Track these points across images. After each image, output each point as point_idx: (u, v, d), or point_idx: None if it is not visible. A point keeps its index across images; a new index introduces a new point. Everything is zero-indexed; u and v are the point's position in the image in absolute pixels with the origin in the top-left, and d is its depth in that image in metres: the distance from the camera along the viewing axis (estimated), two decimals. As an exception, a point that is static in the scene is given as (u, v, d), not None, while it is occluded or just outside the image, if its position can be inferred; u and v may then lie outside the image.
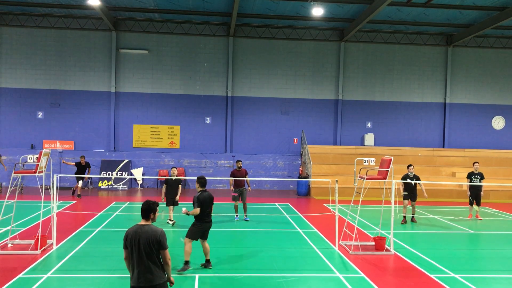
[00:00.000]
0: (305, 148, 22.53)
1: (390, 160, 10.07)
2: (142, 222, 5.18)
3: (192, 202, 8.57)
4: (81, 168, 17.95)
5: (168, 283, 5.19)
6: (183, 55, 23.11)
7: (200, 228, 8.42)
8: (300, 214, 15.17)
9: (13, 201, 10.83)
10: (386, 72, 24.08)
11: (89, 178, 21.07)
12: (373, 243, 10.39)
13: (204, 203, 8.36)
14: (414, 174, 13.83)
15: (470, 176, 14.86)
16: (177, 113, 23.19)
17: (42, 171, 9.91)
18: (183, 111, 23.21)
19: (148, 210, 5.20)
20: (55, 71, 22.58)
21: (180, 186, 12.93)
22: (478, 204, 14.90)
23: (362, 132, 24.10)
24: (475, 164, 15.01)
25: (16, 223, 11.36)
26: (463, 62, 24.42)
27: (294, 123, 23.70)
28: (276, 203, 17.63)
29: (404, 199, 13.74)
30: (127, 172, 21.73)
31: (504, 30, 22.88)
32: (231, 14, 20.61)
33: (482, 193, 14.80)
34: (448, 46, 24.10)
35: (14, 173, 10.05)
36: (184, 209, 8.45)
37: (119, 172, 21.50)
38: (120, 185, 21.39)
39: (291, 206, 16.95)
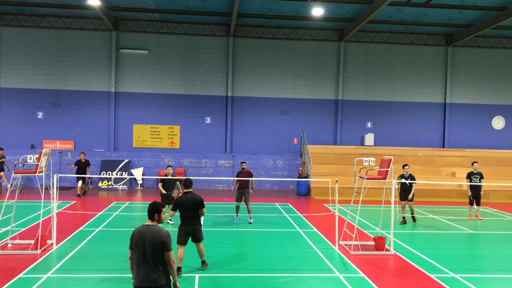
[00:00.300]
0: (305, 148, 22.53)
1: (390, 160, 10.07)
2: (148, 223, 5.19)
3: None
4: (81, 166, 17.93)
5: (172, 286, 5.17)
6: (183, 55, 23.12)
7: (183, 232, 8.16)
8: (300, 214, 15.17)
9: (13, 201, 10.83)
10: (386, 72, 24.08)
11: (89, 178, 21.07)
12: (373, 243, 10.39)
13: (182, 205, 8.13)
14: (409, 174, 13.73)
15: (469, 176, 14.87)
16: (177, 113, 23.19)
17: (42, 171, 9.91)
18: (183, 111, 23.21)
19: (153, 211, 5.19)
20: (55, 71, 22.59)
21: (178, 184, 13.14)
22: (478, 203, 14.92)
23: (362, 132, 24.10)
24: (474, 164, 15.03)
25: (16, 223, 11.36)
26: (463, 62, 24.42)
27: (294, 123, 23.70)
28: (276, 203, 17.64)
29: (400, 199, 13.70)
30: (127, 172, 21.73)
31: (504, 30, 22.88)
32: (231, 14, 20.61)
33: (482, 192, 14.84)
34: (448, 46, 24.10)
35: (14, 173, 10.06)
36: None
37: (119, 172, 21.50)
38: (120, 185, 21.39)
39: (291, 206, 16.95)
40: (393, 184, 10.55)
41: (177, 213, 8.36)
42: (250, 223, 13.21)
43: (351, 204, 11.08)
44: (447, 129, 24.36)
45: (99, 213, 14.43)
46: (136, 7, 20.91)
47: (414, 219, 13.99)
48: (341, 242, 10.53)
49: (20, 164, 10.55)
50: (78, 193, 17.93)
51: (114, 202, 17.15)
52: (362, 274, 8.40)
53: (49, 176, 10.86)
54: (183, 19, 22.51)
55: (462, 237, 12.46)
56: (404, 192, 13.64)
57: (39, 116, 22.59)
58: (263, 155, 23.12)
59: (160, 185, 13.14)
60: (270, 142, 23.65)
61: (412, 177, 13.60)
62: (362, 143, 24.02)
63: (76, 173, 17.68)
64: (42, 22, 22.29)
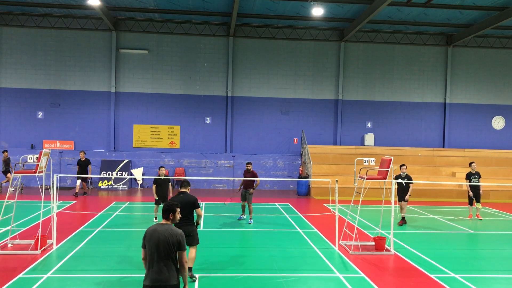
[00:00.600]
0: (305, 148, 22.53)
1: (390, 160, 10.07)
2: (162, 222, 5.19)
3: None
4: (82, 164, 18.06)
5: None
6: (183, 55, 23.12)
7: None
8: (300, 214, 15.16)
9: (13, 201, 10.83)
10: (386, 72, 24.08)
11: (89, 178, 21.08)
12: (373, 243, 10.39)
13: None
14: (406, 174, 13.64)
15: (469, 176, 14.85)
16: (177, 113, 23.20)
17: (42, 171, 9.91)
18: (183, 111, 23.21)
19: (168, 210, 5.19)
20: (55, 71, 22.59)
21: (169, 184, 13.21)
22: (478, 202, 14.92)
23: (362, 132, 24.10)
24: (472, 164, 15.04)
25: (16, 223, 11.36)
26: (463, 62, 24.42)
27: (294, 123, 23.70)
28: (276, 203, 17.64)
29: (398, 200, 13.66)
30: (127, 172, 21.73)
31: (504, 30, 22.88)
32: (231, 14, 20.61)
33: (481, 192, 14.90)
34: (448, 46, 24.11)
35: (14, 173, 10.07)
36: None
37: (119, 172, 21.50)
38: (120, 185, 21.39)
39: (291, 206, 16.95)
40: (393, 184, 10.57)
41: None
42: (250, 223, 13.23)
43: (351, 204, 11.08)
44: (447, 129, 24.36)
45: (99, 213, 14.43)
46: (136, 7, 20.91)
47: (403, 221, 13.59)
48: (341, 242, 10.53)
49: (20, 164, 10.55)
50: (77, 191, 18.02)
51: (114, 202, 17.15)
52: (362, 274, 8.40)
53: (49, 176, 10.86)
54: (183, 19, 22.51)
55: (462, 237, 12.46)
56: (401, 192, 13.56)
57: (39, 116, 22.59)
58: (263, 155, 23.12)
59: (154, 187, 12.95)
60: (270, 142, 23.65)
61: (408, 178, 13.49)
62: (362, 143, 24.02)
63: (77, 173, 17.87)
64: (42, 22, 22.29)
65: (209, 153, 23.04)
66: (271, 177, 22.65)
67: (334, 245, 10.46)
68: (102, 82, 22.80)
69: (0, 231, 11.22)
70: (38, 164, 9.79)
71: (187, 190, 8.10)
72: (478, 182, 14.58)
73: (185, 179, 8.59)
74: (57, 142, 22.47)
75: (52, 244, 9.91)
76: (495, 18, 20.06)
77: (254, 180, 13.34)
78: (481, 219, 14.89)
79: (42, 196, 9.96)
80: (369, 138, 23.74)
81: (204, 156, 22.89)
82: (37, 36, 22.42)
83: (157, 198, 12.85)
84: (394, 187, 10.56)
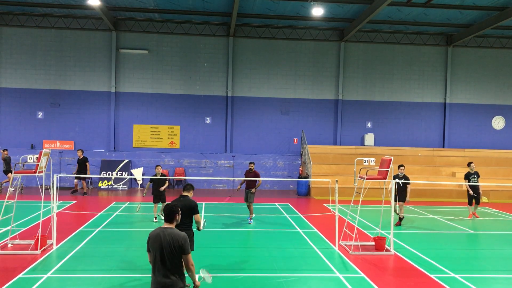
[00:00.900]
0: (305, 148, 22.53)
1: (390, 160, 10.07)
2: (166, 225, 5.11)
3: None
4: (80, 163, 18.21)
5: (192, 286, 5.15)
6: (183, 55, 23.12)
7: None
8: (300, 214, 15.16)
9: (13, 201, 10.83)
10: (386, 72, 24.08)
11: (89, 178, 21.08)
12: (373, 243, 10.39)
13: None
14: (404, 175, 13.53)
15: (468, 176, 14.87)
16: (177, 113, 23.20)
17: (42, 171, 9.91)
18: (183, 111, 23.21)
19: (170, 213, 5.12)
20: (55, 71, 22.59)
21: (166, 183, 13.49)
22: (478, 202, 14.95)
23: (362, 132, 24.10)
24: (471, 164, 15.05)
25: (16, 223, 11.36)
26: (463, 62, 24.42)
27: (294, 123, 23.70)
28: (276, 203, 17.63)
29: (397, 200, 13.59)
30: (127, 172, 21.71)
31: (504, 30, 22.88)
32: (231, 14, 20.61)
33: (481, 191, 14.95)
34: (448, 46, 24.10)
35: (14, 173, 10.07)
36: None
37: (119, 172, 21.47)
38: (120, 185, 21.38)
39: (291, 206, 16.95)
40: (393, 184, 10.57)
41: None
42: (250, 223, 13.22)
43: (351, 204, 11.08)
44: (447, 129, 24.36)
45: (99, 213, 14.43)
46: (136, 7, 20.90)
47: (398, 223, 13.44)
48: (341, 242, 10.53)
49: (20, 164, 10.55)
50: (76, 189, 18.17)
51: (114, 202, 17.15)
52: (362, 274, 8.40)
53: (49, 176, 10.87)
54: (183, 19, 22.51)
55: (462, 237, 12.46)
56: (399, 192, 13.43)
57: (39, 116, 22.59)
58: (263, 155, 23.12)
59: (148, 184, 13.70)
60: (270, 142, 23.65)
61: (406, 178, 13.44)
62: (362, 143, 24.02)
63: (76, 171, 18.21)
64: (42, 22, 22.29)
65: (209, 153, 23.04)
66: (271, 177, 22.65)
67: (334, 245, 10.47)
68: (102, 82, 22.80)
69: (0, 231, 11.22)
70: (38, 164, 9.79)
71: (189, 194, 7.75)
72: (477, 182, 14.59)
73: (188, 183, 8.41)
74: (57, 142, 22.47)
75: (52, 244, 9.92)
76: (495, 18, 20.06)
77: (256, 180, 13.35)
78: (478, 217, 14.95)
79: (42, 196, 9.97)
80: (369, 138, 23.74)
81: (204, 156, 22.89)
82: (37, 36, 22.42)
83: (145, 193, 13.73)
84: (394, 187, 10.56)
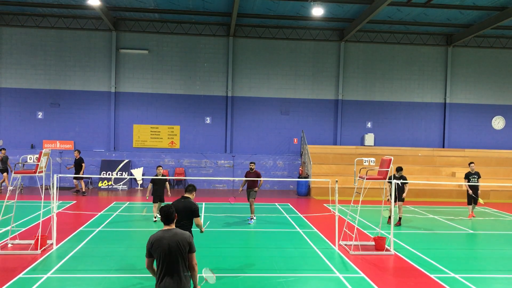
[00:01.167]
0: (305, 148, 22.53)
1: (390, 160, 10.07)
2: (166, 227, 4.98)
3: None
4: (76, 163, 18.38)
5: None
6: (183, 55, 23.12)
7: None
8: (300, 214, 15.16)
9: (13, 201, 10.83)
10: (386, 72, 24.08)
11: (89, 178, 21.09)
12: (373, 243, 10.40)
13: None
14: (401, 175, 13.49)
15: (468, 176, 14.88)
16: (177, 113, 23.20)
17: (42, 171, 9.91)
18: (183, 111, 23.21)
19: (170, 214, 4.99)
20: (55, 71, 22.59)
21: (167, 184, 13.44)
22: (475, 202, 14.96)
23: (362, 132, 24.10)
24: (471, 164, 15.07)
25: (16, 223, 11.36)
26: (463, 62, 24.42)
27: (294, 123, 23.70)
28: (276, 203, 17.63)
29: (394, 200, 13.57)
30: (127, 172, 21.71)
31: (504, 30, 22.88)
32: (231, 14, 20.61)
33: (479, 192, 14.98)
34: (448, 46, 24.10)
35: (14, 173, 10.07)
36: None
37: (119, 172, 21.48)
38: (120, 185, 21.38)
39: (291, 206, 16.95)
40: (393, 184, 10.57)
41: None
42: (250, 223, 13.22)
43: (351, 204, 11.08)
44: (447, 129, 24.36)
45: (99, 213, 14.43)
46: (136, 7, 20.90)
47: (398, 223, 13.41)
48: (341, 242, 10.53)
49: (20, 164, 10.55)
50: (77, 189, 18.29)
51: (114, 202, 17.15)
52: (362, 274, 8.40)
53: (49, 176, 10.87)
54: (183, 19, 22.51)
55: (462, 237, 12.46)
56: (398, 192, 13.41)
57: (39, 116, 22.59)
58: (263, 155, 23.12)
59: (150, 185, 13.57)
60: (270, 142, 23.65)
61: (403, 178, 13.37)
62: (362, 143, 24.02)
63: (75, 172, 18.43)
64: (42, 22, 22.29)
65: (209, 153, 23.04)
66: (271, 177, 22.65)
67: (334, 245, 10.47)
68: (102, 82, 22.79)
69: (0, 231, 11.22)
70: (38, 164, 9.79)
71: (190, 196, 7.44)
72: (477, 182, 14.59)
73: (190, 184, 8.26)
74: (57, 142, 22.47)
75: (52, 244, 9.92)
76: (495, 18, 20.06)
77: (257, 180, 13.36)
78: (474, 216, 14.98)
79: (42, 196, 9.96)
80: (369, 138, 23.74)
81: (204, 156, 22.88)
82: (37, 36, 22.43)
83: (148, 196, 13.41)
84: (394, 187, 10.56)
